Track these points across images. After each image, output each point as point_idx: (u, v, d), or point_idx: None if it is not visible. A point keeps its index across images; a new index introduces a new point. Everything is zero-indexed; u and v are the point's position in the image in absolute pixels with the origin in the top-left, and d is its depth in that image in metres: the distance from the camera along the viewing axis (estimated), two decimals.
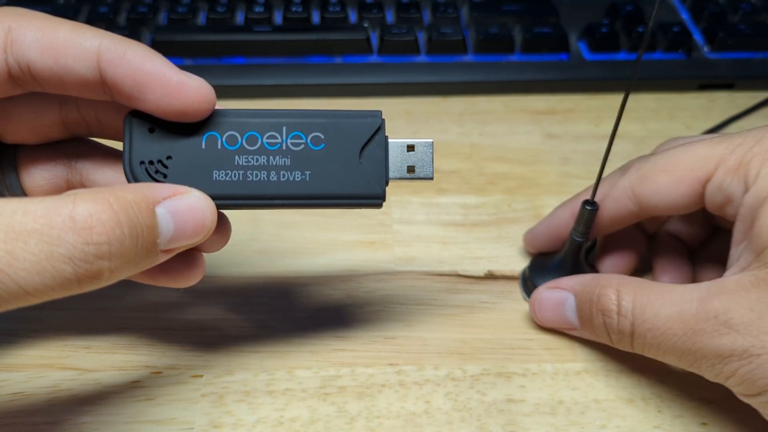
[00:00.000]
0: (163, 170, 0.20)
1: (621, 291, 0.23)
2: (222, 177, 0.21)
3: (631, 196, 0.25)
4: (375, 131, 0.21)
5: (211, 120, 0.21)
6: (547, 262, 0.29)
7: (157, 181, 0.20)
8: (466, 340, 0.27)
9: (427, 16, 0.42)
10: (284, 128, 0.21)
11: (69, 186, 0.23)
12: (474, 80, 0.39)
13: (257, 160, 0.21)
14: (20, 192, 0.23)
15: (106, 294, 0.28)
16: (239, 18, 0.42)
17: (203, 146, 0.21)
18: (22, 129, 0.22)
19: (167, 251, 0.19)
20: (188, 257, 0.22)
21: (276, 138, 0.21)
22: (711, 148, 0.24)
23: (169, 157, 0.20)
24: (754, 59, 0.40)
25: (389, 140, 0.22)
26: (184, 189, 0.20)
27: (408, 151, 0.22)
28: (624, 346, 0.24)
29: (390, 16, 0.43)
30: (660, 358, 0.23)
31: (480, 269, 0.30)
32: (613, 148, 0.25)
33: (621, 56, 0.41)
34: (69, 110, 0.22)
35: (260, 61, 0.39)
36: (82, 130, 0.23)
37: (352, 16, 0.42)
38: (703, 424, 0.25)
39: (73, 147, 0.23)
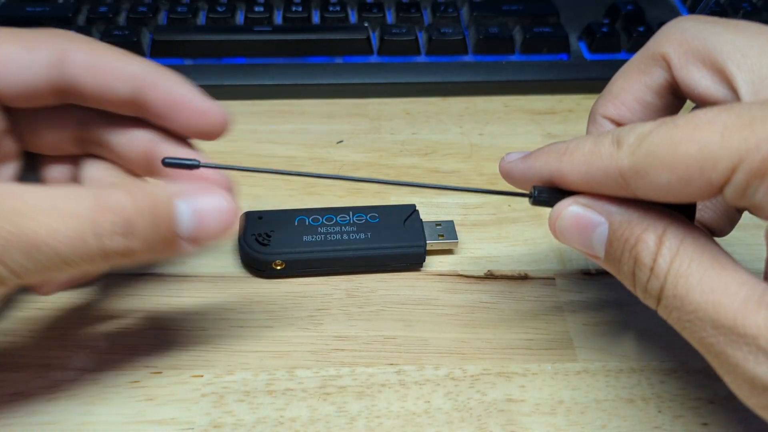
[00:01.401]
0: (267, 239, 0.29)
1: (664, 242, 0.19)
2: (310, 239, 0.29)
3: (623, 185, 0.19)
4: (411, 212, 0.30)
5: (300, 211, 0.30)
6: None
7: (263, 245, 0.28)
8: (466, 340, 0.27)
9: (427, 16, 0.42)
10: (351, 212, 0.30)
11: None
12: (474, 80, 0.39)
13: (334, 229, 0.29)
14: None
15: (107, 294, 0.28)
16: (239, 18, 0.42)
17: (296, 223, 0.29)
18: (43, 142, 0.25)
19: (192, 242, 0.22)
20: None
21: (345, 218, 0.30)
22: (724, 140, 0.17)
23: (272, 231, 0.29)
24: None
25: (422, 219, 0.30)
26: (205, 187, 0.22)
27: (437, 226, 0.30)
28: (650, 305, 0.20)
29: (390, 16, 0.43)
30: (686, 338, 0.19)
31: (480, 269, 0.30)
32: None
33: (621, 56, 0.41)
34: (84, 131, 0.25)
35: (260, 61, 0.39)
36: (95, 150, 0.26)
37: (352, 16, 0.42)
38: (704, 424, 0.25)
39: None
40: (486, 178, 0.34)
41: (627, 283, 0.21)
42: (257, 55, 0.39)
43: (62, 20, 0.40)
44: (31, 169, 0.26)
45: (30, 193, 0.19)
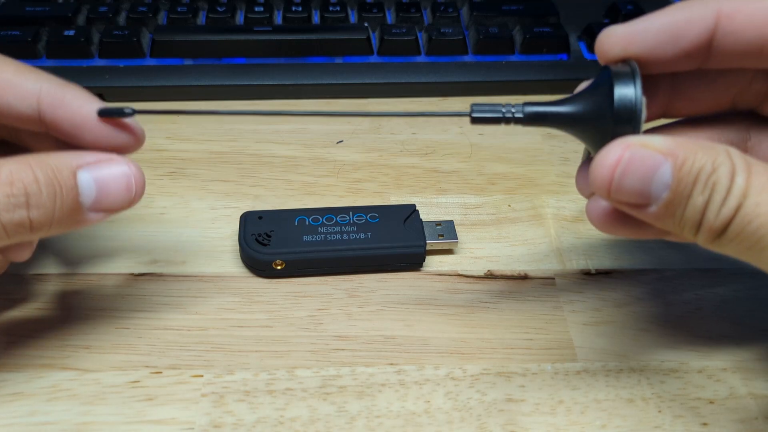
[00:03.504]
0: (267, 240, 0.29)
1: (735, 164, 0.18)
2: (310, 239, 0.29)
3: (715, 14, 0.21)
4: (412, 212, 0.30)
5: (300, 211, 0.30)
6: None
7: (263, 245, 0.28)
8: (466, 340, 0.27)
9: (427, 16, 0.42)
10: (351, 212, 0.30)
11: None
12: (474, 80, 0.39)
13: (334, 229, 0.29)
14: None
15: (106, 294, 0.28)
16: (239, 18, 0.42)
17: (296, 223, 0.29)
18: None
19: (97, 212, 0.22)
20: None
21: (345, 218, 0.30)
22: None
23: (272, 231, 0.29)
24: None
25: (422, 219, 0.30)
26: (109, 157, 0.22)
27: (437, 225, 0.30)
28: (706, 238, 0.19)
29: (390, 16, 0.43)
30: (749, 258, 0.19)
31: (480, 269, 0.30)
32: None
33: None
34: None
35: (260, 61, 0.39)
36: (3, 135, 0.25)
37: (352, 16, 0.42)
38: (704, 424, 0.25)
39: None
40: (486, 178, 0.34)
41: (688, 223, 0.19)
42: (257, 55, 0.39)
43: (62, 20, 0.40)
44: None
45: None
